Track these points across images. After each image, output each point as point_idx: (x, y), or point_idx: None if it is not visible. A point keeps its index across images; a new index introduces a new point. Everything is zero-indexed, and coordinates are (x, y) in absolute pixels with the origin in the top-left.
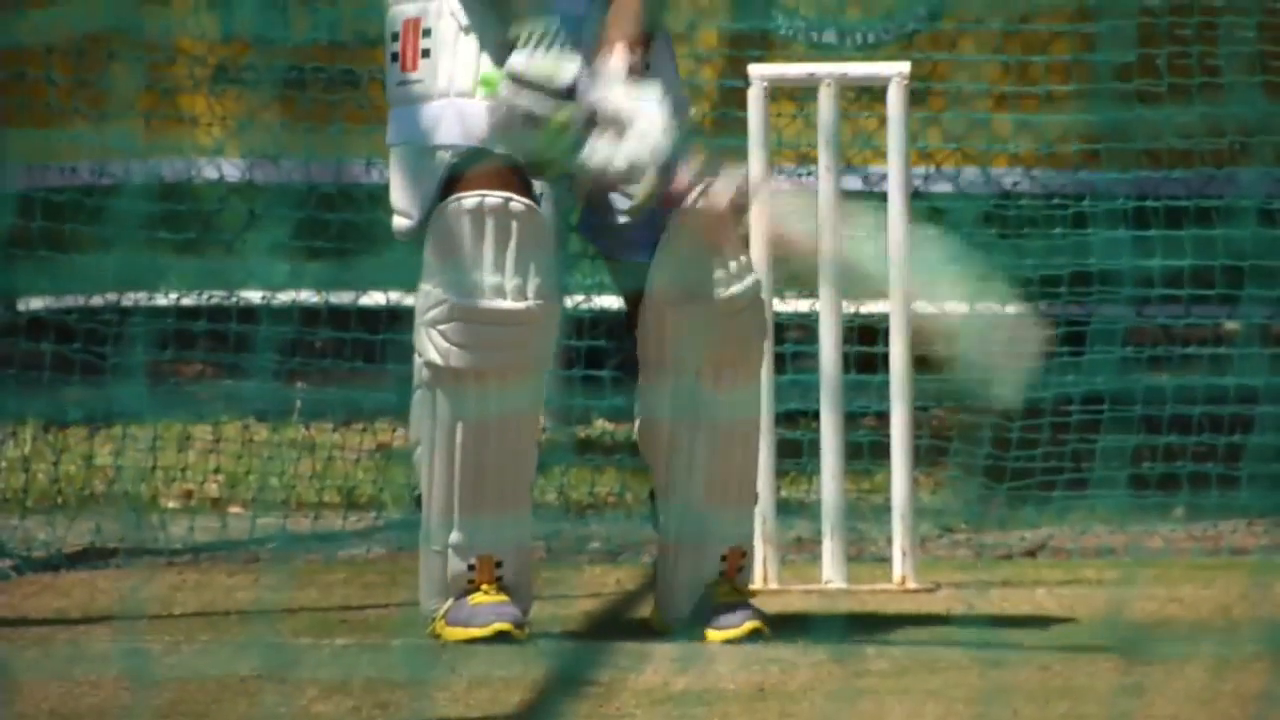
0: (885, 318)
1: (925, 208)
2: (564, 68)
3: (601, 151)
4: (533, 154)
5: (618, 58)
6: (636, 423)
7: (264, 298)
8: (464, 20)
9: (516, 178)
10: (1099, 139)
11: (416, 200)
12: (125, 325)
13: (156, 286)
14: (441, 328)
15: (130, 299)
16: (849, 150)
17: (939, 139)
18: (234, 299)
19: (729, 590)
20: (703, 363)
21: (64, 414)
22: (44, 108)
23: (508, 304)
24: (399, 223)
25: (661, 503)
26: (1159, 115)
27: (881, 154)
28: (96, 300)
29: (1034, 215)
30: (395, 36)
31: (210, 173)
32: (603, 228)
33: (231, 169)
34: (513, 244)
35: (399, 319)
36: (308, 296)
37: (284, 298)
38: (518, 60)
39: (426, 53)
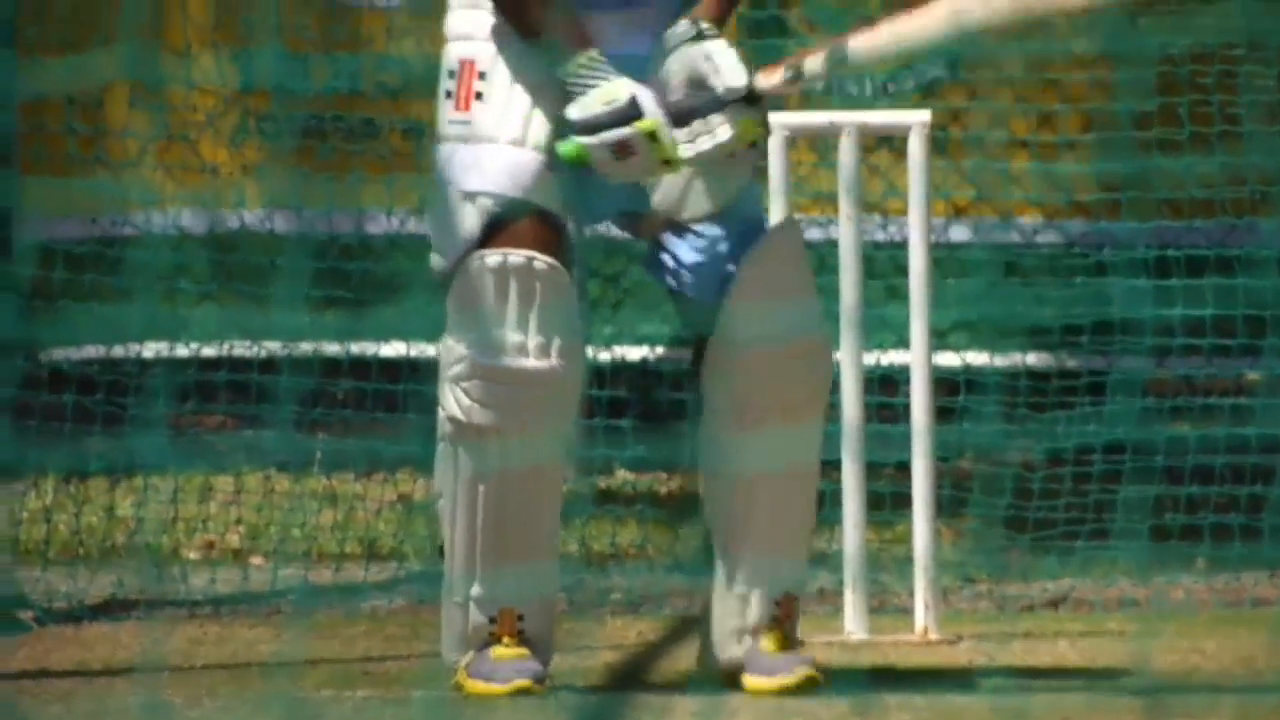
0: (906, 369)
1: (947, 256)
2: (617, 85)
3: (699, 137)
4: (645, 174)
5: (684, 24)
6: (699, 469)
7: (285, 348)
8: (528, 69)
9: (550, 234)
10: (1120, 188)
11: (451, 243)
12: (146, 376)
13: (178, 337)
14: (464, 385)
15: (151, 350)
16: (874, 197)
17: (960, 187)
18: (255, 349)
19: (781, 639)
20: (771, 406)
21: (85, 465)
22: (64, 159)
23: (530, 363)
24: (435, 260)
25: (718, 547)
26: (1180, 164)
27: (901, 196)
28: (118, 351)
29: (1055, 264)
30: (451, 74)
31: (231, 223)
32: (672, 265)
33: (252, 219)
34: (536, 303)
35: (420, 369)
36: (329, 347)
37: (305, 348)
38: (574, 111)
39: (480, 96)
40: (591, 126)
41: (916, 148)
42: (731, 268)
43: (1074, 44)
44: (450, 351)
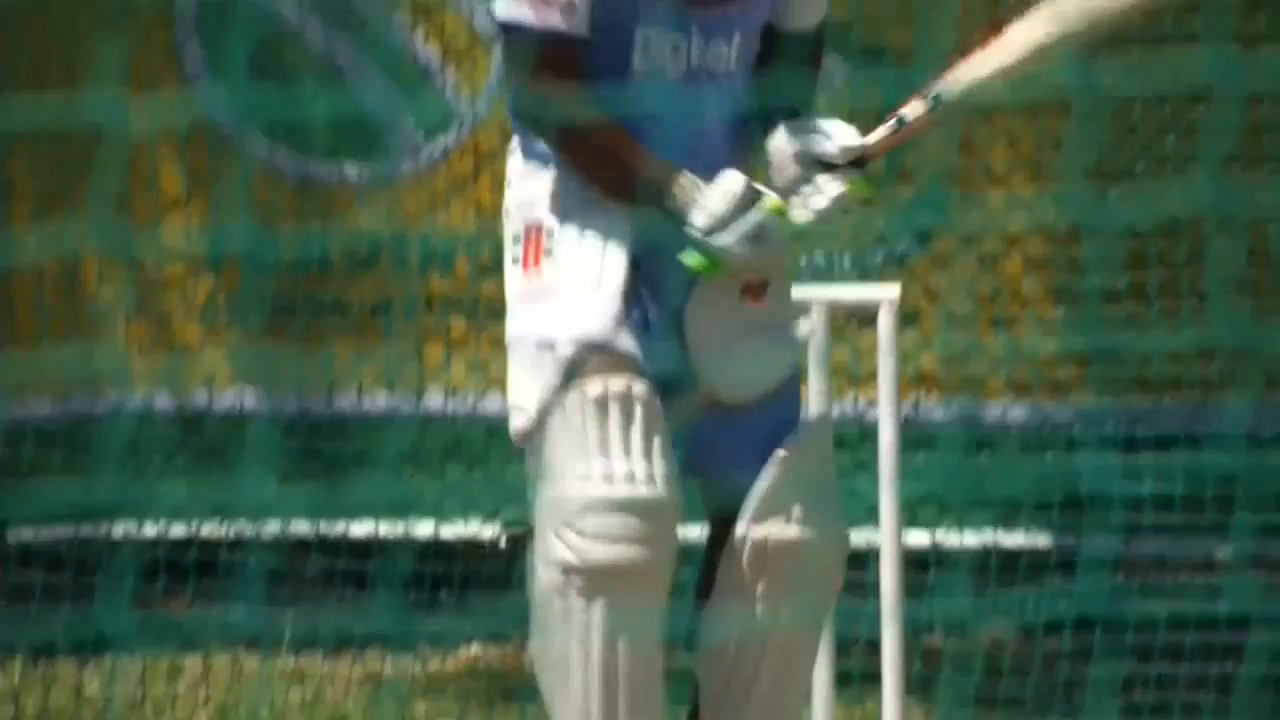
0: (876, 549)
1: (915, 430)
2: (727, 179)
3: (810, 199)
4: (779, 254)
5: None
6: (700, 647)
7: (254, 527)
8: (597, 224)
9: (637, 366)
10: (1089, 364)
11: (535, 394)
12: (115, 555)
13: (146, 516)
14: (577, 524)
15: (120, 529)
16: (840, 364)
17: (930, 361)
18: (224, 528)
19: None
20: (790, 589)
21: (53, 645)
22: (35, 335)
23: (642, 491)
24: (516, 419)
25: None
26: (1149, 341)
27: (869, 359)
28: (86, 530)
29: (1025, 440)
30: (516, 239)
31: (200, 400)
32: (705, 444)
33: (222, 396)
34: (638, 429)
35: (387, 548)
36: (298, 525)
37: (273, 527)
38: (699, 218)
39: (550, 252)
40: (721, 223)
41: (885, 323)
42: (764, 450)
43: (1044, 217)
44: (554, 499)
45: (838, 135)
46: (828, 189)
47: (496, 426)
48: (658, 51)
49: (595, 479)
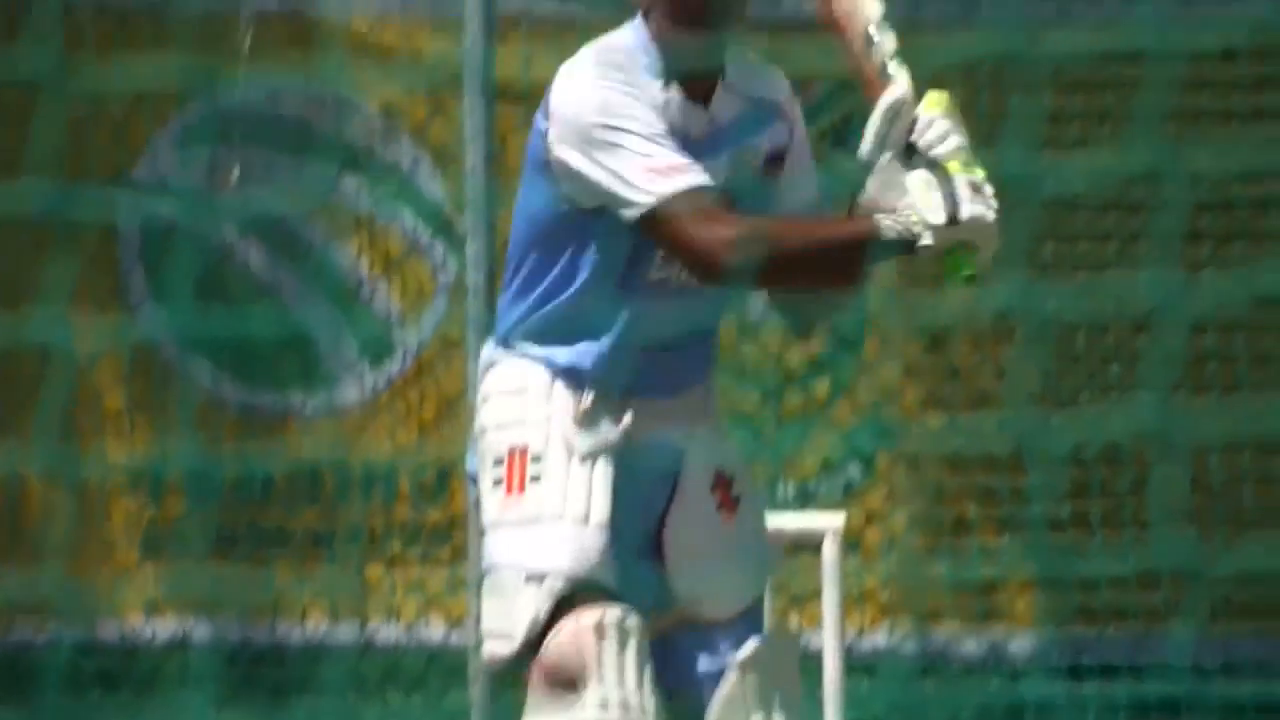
0: None
1: (860, 660)
2: (910, 181)
3: (935, 140)
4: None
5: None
6: None
7: None
8: (582, 448)
9: (620, 597)
10: (1033, 592)
11: (521, 624)
12: None
13: None
14: None
15: None
16: (785, 591)
17: (874, 585)
18: None
19: None
20: None
21: None
22: None
23: None
24: (495, 648)
25: None
26: (1092, 568)
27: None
28: None
29: (970, 669)
30: (499, 462)
31: (144, 630)
32: (673, 659)
33: (164, 627)
34: (631, 659)
35: None
36: None
37: None
38: (936, 222)
39: (536, 478)
40: (952, 206)
41: (830, 552)
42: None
43: (988, 443)
44: None
45: (885, 97)
46: (933, 121)
47: (437, 653)
48: (670, 265)
49: (590, 706)
